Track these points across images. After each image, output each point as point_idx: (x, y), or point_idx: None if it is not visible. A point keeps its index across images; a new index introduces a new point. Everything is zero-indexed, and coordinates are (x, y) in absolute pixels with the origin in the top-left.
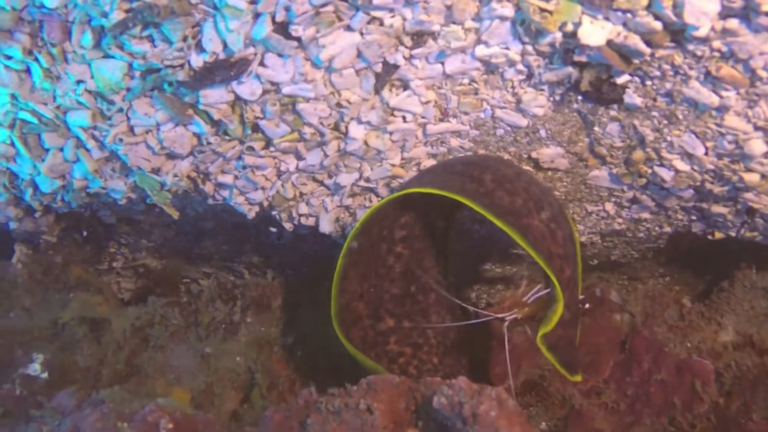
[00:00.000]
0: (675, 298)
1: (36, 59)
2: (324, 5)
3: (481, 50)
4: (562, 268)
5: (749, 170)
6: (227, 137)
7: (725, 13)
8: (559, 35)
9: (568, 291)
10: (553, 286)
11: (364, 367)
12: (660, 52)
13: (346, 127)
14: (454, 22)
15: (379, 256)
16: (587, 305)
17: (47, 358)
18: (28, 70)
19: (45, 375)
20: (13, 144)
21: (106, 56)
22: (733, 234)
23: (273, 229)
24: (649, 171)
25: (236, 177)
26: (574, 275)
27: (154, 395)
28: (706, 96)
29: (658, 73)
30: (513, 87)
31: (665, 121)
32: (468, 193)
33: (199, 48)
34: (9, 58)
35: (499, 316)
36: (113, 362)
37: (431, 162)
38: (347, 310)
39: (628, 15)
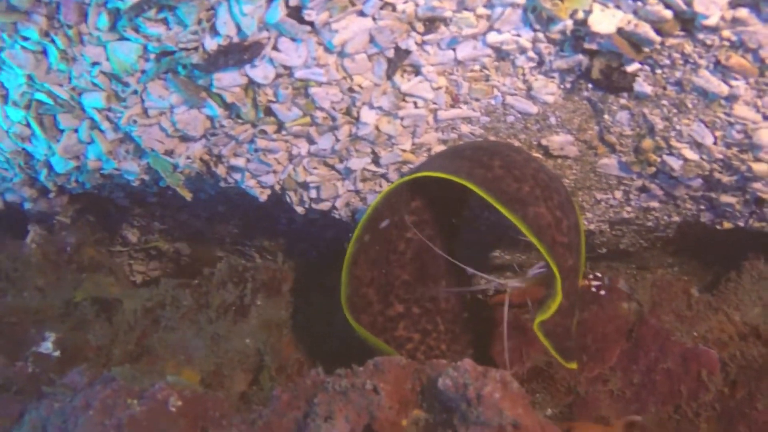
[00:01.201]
0: (683, 288)
1: (52, 41)
2: None
3: (492, 37)
4: (565, 257)
5: (758, 160)
6: (240, 120)
7: (735, 3)
8: (569, 23)
9: (569, 280)
10: (553, 273)
11: (376, 349)
12: (670, 41)
13: (358, 112)
14: (466, 9)
15: (390, 241)
16: (602, 291)
17: (59, 337)
18: (44, 52)
19: (57, 353)
20: (28, 124)
21: (122, 38)
22: (741, 224)
23: (284, 213)
24: (659, 160)
25: (248, 160)
26: (577, 264)
27: (164, 375)
28: (716, 85)
29: (668, 62)
30: (524, 74)
31: (675, 110)
32: (476, 178)
33: (214, 31)
34: (26, 39)
35: (502, 281)
36: (124, 342)
37: (442, 148)
38: (357, 295)
39: (639, 3)
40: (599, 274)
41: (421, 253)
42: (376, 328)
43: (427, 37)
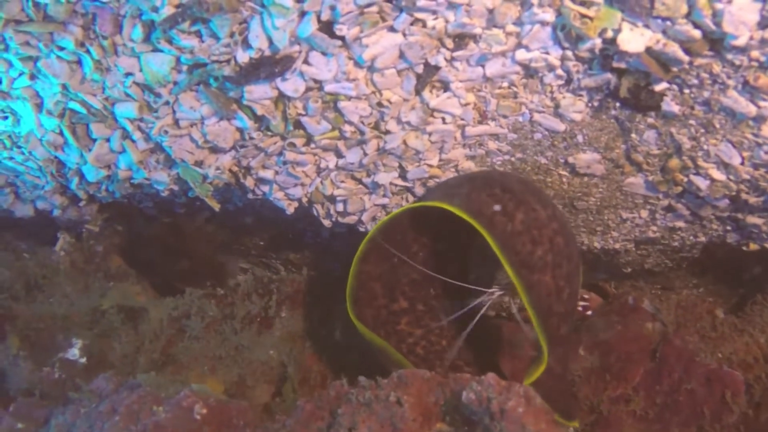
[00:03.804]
0: (708, 309)
1: (87, 51)
2: (368, 5)
3: (521, 54)
4: (559, 326)
5: None
6: (269, 133)
7: (764, 23)
8: (598, 41)
9: (561, 347)
10: (540, 343)
11: (374, 346)
12: (698, 61)
13: (386, 127)
14: (495, 26)
15: (404, 242)
16: (589, 312)
17: (86, 344)
18: (79, 62)
19: (84, 360)
20: (61, 133)
21: (155, 50)
22: (767, 245)
23: (310, 226)
24: (685, 179)
25: (277, 172)
26: (570, 332)
27: (188, 385)
28: (744, 105)
29: (696, 82)
30: (552, 92)
31: (702, 130)
32: (496, 228)
33: (246, 44)
34: (62, 49)
35: (487, 291)
36: (150, 351)
37: (469, 164)
38: (363, 289)
39: (668, 23)
40: (587, 296)
41: (433, 256)
42: (378, 321)
43: (456, 54)
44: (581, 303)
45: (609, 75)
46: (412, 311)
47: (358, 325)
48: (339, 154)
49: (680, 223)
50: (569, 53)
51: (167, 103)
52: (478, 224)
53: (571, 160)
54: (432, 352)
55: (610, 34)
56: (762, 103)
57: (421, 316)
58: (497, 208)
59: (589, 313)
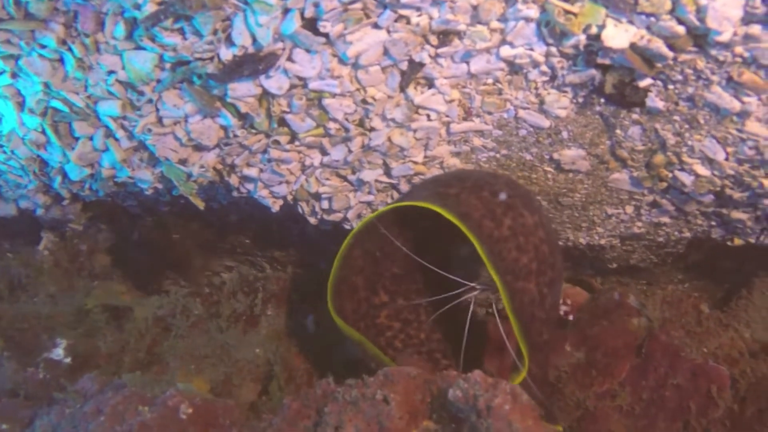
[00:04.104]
0: (693, 304)
1: (69, 49)
2: (352, 2)
3: (505, 51)
4: (540, 332)
5: None
6: (253, 130)
7: (748, 19)
8: (583, 37)
9: (542, 353)
10: (521, 350)
11: (352, 340)
12: (683, 57)
13: (371, 124)
14: (479, 22)
15: (388, 238)
16: (570, 317)
17: (71, 344)
18: (61, 60)
19: (68, 360)
20: (44, 132)
21: (138, 48)
22: (752, 241)
23: (295, 224)
24: (670, 175)
25: (261, 170)
26: (550, 339)
27: (173, 384)
28: (728, 101)
29: (680, 77)
30: (536, 88)
31: (687, 126)
32: (483, 233)
33: (229, 41)
34: (43, 47)
35: (469, 285)
36: (135, 350)
37: (454, 161)
38: (345, 283)
39: (652, 19)
40: (569, 301)
41: (416, 252)
42: (358, 314)
43: (440, 50)
44: (563, 308)
45: (593, 71)
46: (392, 305)
47: (336, 320)
48: (324, 152)
49: (665, 219)
50: (554, 49)
51: (150, 101)
52: (466, 228)
53: (556, 156)
54: (410, 345)
55: (594, 30)
56: (746, 99)
57: (400, 309)
58: (484, 212)
59: (571, 318)
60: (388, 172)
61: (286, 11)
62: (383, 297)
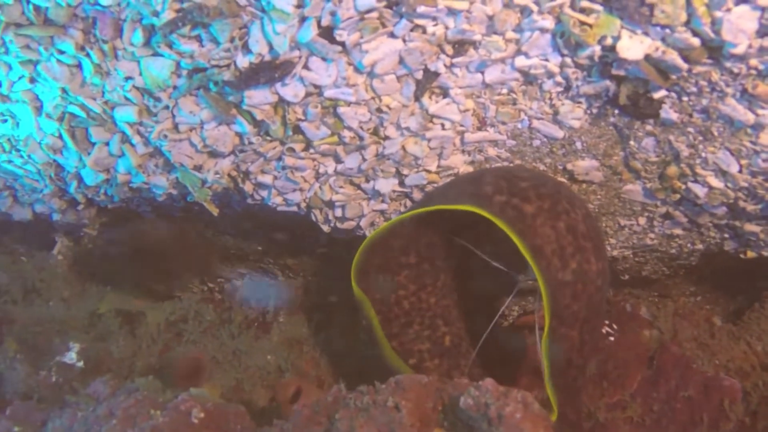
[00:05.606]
0: (705, 317)
1: (87, 55)
2: (369, 11)
3: (520, 61)
4: (576, 377)
5: None
6: (269, 138)
7: (763, 32)
8: (597, 48)
9: (578, 397)
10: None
11: (365, 314)
12: (697, 69)
13: (385, 132)
14: (495, 33)
15: (437, 227)
16: (611, 338)
17: (83, 348)
18: (79, 65)
19: (81, 363)
20: (61, 136)
21: (155, 54)
22: (765, 253)
23: (309, 232)
24: (683, 187)
25: (275, 177)
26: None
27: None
28: (742, 113)
29: (694, 89)
30: (551, 98)
31: (700, 138)
32: (550, 274)
33: (246, 49)
34: (62, 52)
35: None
36: (147, 355)
37: (468, 170)
38: (381, 243)
39: (667, 30)
40: (615, 327)
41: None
42: (381, 268)
43: (456, 60)
44: (606, 328)
45: (608, 82)
46: (416, 267)
47: (354, 285)
48: (338, 160)
49: (678, 231)
50: (568, 60)
51: (167, 107)
52: (535, 263)
53: (569, 166)
54: (417, 308)
55: (609, 41)
56: (760, 111)
57: (421, 274)
58: (555, 247)
59: (612, 339)
60: (401, 180)
61: (303, 20)
62: (412, 259)
